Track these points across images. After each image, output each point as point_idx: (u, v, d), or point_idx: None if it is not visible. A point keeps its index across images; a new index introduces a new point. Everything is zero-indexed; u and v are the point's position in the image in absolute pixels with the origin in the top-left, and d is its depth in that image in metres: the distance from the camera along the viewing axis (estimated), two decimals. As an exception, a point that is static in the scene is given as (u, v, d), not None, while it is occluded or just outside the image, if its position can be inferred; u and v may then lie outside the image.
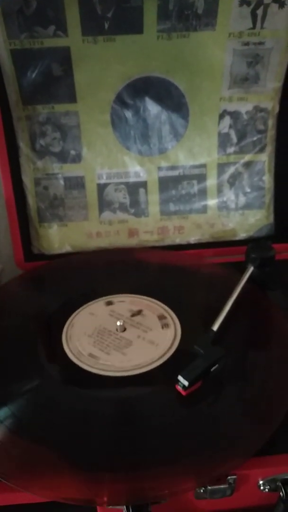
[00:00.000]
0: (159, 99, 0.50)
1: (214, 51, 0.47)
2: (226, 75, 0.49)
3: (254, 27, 0.46)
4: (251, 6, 0.45)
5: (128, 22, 0.45)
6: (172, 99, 0.50)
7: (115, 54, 0.47)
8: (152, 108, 0.51)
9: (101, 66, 0.48)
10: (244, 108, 0.51)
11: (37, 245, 0.54)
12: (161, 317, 0.41)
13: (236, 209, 0.55)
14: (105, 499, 0.28)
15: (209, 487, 0.29)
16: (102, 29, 0.45)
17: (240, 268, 0.46)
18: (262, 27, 0.46)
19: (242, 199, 0.55)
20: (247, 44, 0.47)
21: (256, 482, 0.30)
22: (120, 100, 0.50)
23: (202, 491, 0.29)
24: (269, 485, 0.30)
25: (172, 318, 0.41)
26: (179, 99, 0.50)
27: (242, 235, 0.55)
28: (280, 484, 0.30)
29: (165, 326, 0.40)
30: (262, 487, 0.30)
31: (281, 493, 0.30)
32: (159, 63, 0.48)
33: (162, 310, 0.42)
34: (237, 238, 0.56)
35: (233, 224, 0.55)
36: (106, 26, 0.45)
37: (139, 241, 0.55)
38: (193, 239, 0.55)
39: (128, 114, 0.51)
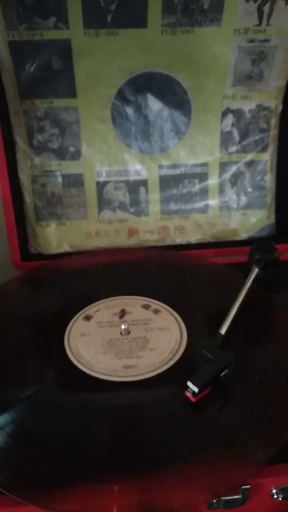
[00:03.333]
0: (161, 96, 0.49)
1: (219, 48, 0.46)
2: (230, 73, 0.48)
3: (260, 23, 0.45)
4: (258, 2, 0.44)
5: (132, 16, 0.44)
6: (174, 95, 0.49)
7: (117, 48, 0.46)
8: (153, 104, 0.49)
9: (103, 60, 0.46)
10: (247, 106, 0.50)
11: (34, 244, 0.53)
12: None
13: (237, 209, 0.54)
14: (115, 510, 0.27)
15: (222, 498, 0.28)
16: (104, 22, 0.44)
17: (241, 269, 0.46)
18: (268, 24, 0.45)
19: (243, 199, 0.54)
20: (252, 41, 0.46)
21: (269, 491, 0.30)
22: (121, 96, 0.49)
23: (214, 501, 0.29)
24: (282, 494, 0.30)
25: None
26: (181, 96, 0.49)
27: (243, 235, 0.55)
28: (293, 492, 0.30)
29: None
30: (275, 496, 0.30)
31: (294, 502, 0.30)
32: (162, 59, 0.47)
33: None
34: (239, 238, 0.55)
35: (234, 224, 0.55)
36: (109, 19, 0.44)
37: (139, 241, 0.54)
38: (194, 239, 0.55)
39: (129, 110, 0.49)
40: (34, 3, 0.42)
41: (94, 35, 0.45)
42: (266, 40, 0.47)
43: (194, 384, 0.32)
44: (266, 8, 0.44)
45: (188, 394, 0.32)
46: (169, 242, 0.54)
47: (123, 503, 0.28)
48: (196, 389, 0.31)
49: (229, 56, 0.47)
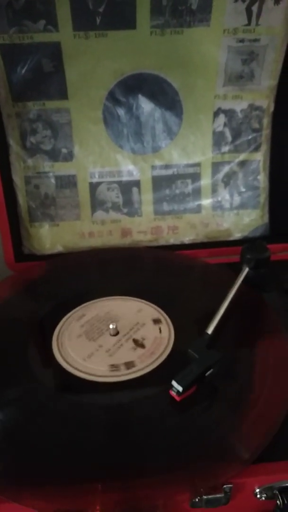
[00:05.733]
0: (152, 97, 0.49)
1: (208, 48, 0.46)
2: (220, 73, 0.48)
3: (249, 23, 0.45)
4: (246, 2, 0.44)
5: (121, 17, 0.44)
6: (165, 96, 0.49)
7: (107, 50, 0.46)
8: (145, 105, 0.50)
9: (93, 62, 0.47)
10: (239, 106, 0.50)
11: (27, 245, 0.53)
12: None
13: (230, 208, 0.54)
14: (98, 509, 0.27)
15: (204, 497, 0.28)
16: (94, 24, 0.44)
17: (235, 269, 0.45)
18: (257, 24, 0.45)
19: (236, 199, 0.54)
20: (242, 41, 0.46)
21: (253, 490, 0.30)
22: (112, 97, 0.49)
23: (197, 500, 0.29)
24: (265, 493, 0.29)
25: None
26: (172, 96, 0.49)
27: (237, 235, 0.55)
28: (277, 492, 0.29)
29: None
30: (258, 495, 0.29)
31: (278, 502, 0.29)
32: (152, 60, 0.47)
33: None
34: (232, 238, 0.55)
35: (227, 224, 0.54)
36: (98, 21, 0.44)
37: (132, 241, 0.54)
38: (187, 239, 0.55)
39: (121, 111, 0.50)
40: (24, 6, 0.43)
41: (83, 37, 0.45)
42: (256, 40, 0.47)
43: (178, 383, 0.32)
44: (254, 8, 0.44)
45: (173, 393, 0.32)
46: (162, 242, 0.54)
47: (106, 501, 0.28)
48: (180, 388, 0.32)
49: (219, 56, 0.47)
